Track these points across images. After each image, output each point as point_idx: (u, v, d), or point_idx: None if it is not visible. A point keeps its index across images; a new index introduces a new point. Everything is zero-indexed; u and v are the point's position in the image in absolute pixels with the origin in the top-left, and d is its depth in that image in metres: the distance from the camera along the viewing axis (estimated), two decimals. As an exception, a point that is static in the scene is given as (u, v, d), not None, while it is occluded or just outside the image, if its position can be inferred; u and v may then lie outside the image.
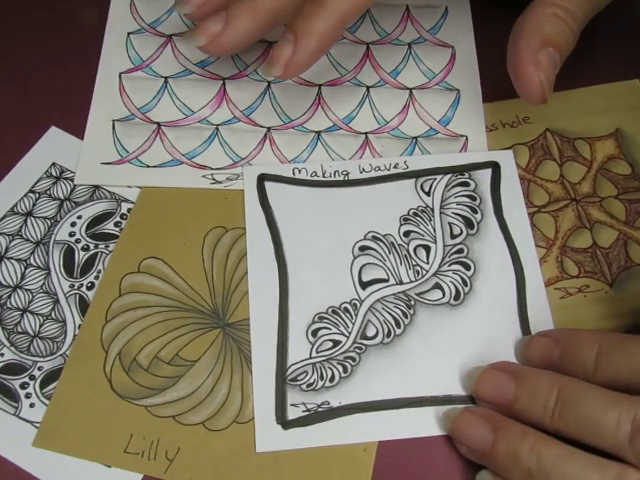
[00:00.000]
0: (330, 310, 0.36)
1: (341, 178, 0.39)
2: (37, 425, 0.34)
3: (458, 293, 0.36)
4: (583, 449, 0.29)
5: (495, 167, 0.39)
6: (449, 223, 0.38)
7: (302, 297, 0.36)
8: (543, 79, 0.34)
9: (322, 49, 0.35)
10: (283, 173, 0.39)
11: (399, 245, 0.37)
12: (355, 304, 0.36)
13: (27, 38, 0.44)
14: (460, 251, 0.37)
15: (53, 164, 0.40)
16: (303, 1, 0.35)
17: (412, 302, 0.36)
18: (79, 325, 0.36)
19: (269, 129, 0.41)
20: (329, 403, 0.34)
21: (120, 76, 0.42)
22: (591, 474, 0.28)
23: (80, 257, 0.37)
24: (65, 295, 0.36)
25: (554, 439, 0.30)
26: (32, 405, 0.34)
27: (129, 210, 0.38)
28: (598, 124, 0.40)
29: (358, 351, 0.35)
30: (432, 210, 0.38)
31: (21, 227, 0.38)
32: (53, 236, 0.38)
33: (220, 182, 0.39)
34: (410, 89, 0.42)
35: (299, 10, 0.35)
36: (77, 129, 0.40)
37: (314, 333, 0.35)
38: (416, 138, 0.40)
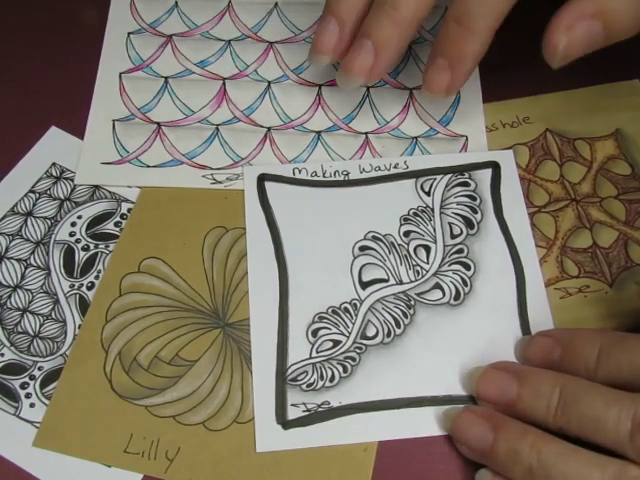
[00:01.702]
0: (330, 310, 0.36)
1: (341, 178, 0.39)
2: (37, 425, 0.34)
3: (458, 293, 0.36)
4: (585, 448, 0.29)
5: (495, 167, 0.39)
6: (449, 223, 0.38)
7: (302, 297, 0.36)
8: (563, 45, 0.32)
9: (475, 66, 0.36)
10: (283, 173, 0.39)
11: (399, 245, 0.37)
12: (355, 304, 0.36)
13: (27, 38, 0.44)
14: (460, 251, 0.37)
15: (53, 164, 0.40)
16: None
17: (412, 302, 0.36)
18: (79, 325, 0.36)
19: (269, 129, 0.41)
20: (329, 403, 0.34)
21: (120, 76, 0.42)
22: (592, 471, 0.28)
23: (80, 257, 0.37)
24: (65, 295, 0.36)
25: (554, 437, 0.30)
26: (32, 405, 0.34)
27: (129, 210, 0.38)
28: (598, 124, 0.40)
29: (358, 351, 0.35)
30: (432, 210, 0.38)
31: (21, 227, 0.38)
32: (53, 236, 0.38)
33: (220, 182, 0.39)
34: (410, 89, 0.42)
35: (445, 35, 0.35)
36: (77, 129, 0.40)
37: (314, 333, 0.35)
38: (416, 138, 0.40)
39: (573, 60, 0.33)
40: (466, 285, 0.36)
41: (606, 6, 0.32)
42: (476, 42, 0.34)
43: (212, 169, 0.39)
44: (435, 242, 0.37)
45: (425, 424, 0.33)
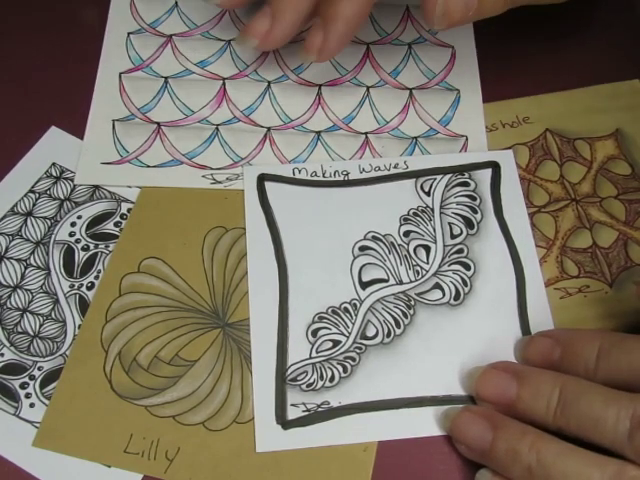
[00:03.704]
0: (330, 310, 0.36)
1: (341, 178, 0.39)
2: (37, 425, 0.34)
3: (458, 293, 0.36)
4: (584, 448, 0.29)
5: (495, 167, 0.39)
6: (449, 223, 0.38)
7: (302, 297, 0.36)
8: (440, 7, 0.33)
9: (351, 32, 0.36)
10: (283, 173, 0.39)
11: (399, 245, 0.37)
12: (355, 304, 0.36)
13: (27, 38, 0.44)
14: (460, 251, 0.37)
15: (53, 164, 0.40)
16: None
17: (412, 302, 0.36)
18: (79, 325, 0.36)
19: (269, 129, 0.41)
20: (329, 403, 0.34)
21: (120, 76, 0.42)
22: (591, 471, 0.28)
23: (80, 257, 0.37)
24: (65, 295, 0.36)
25: (554, 437, 0.30)
26: (32, 405, 0.34)
27: (129, 210, 0.38)
28: (598, 124, 0.40)
29: (358, 351, 0.35)
30: (432, 210, 0.38)
31: (21, 227, 0.38)
32: (53, 236, 0.38)
33: (220, 182, 0.39)
34: (410, 89, 0.42)
35: None
36: (77, 129, 0.40)
37: (314, 333, 0.35)
38: (416, 138, 0.40)
39: (451, 26, 0.34)
40: (466, 285, 0.36)
41: None
42: (351, 5, 0.35)
43: (212, 169, 0.39)
44: (435, 242, 0.37)
45: (425, 424, 0.33)
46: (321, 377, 0.34)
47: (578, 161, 0.40)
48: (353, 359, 0.35)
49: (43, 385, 0.34)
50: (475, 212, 0.38)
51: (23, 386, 0.34)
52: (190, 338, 0.35)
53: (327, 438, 0.33)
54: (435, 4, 0.33)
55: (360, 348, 0.35)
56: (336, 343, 0.35)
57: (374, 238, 0.37)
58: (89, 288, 0.37)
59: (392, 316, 0.36)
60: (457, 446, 0.32)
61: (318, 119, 0.41)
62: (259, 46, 0.38)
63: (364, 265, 0.37)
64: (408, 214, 0.38)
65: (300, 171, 0.39)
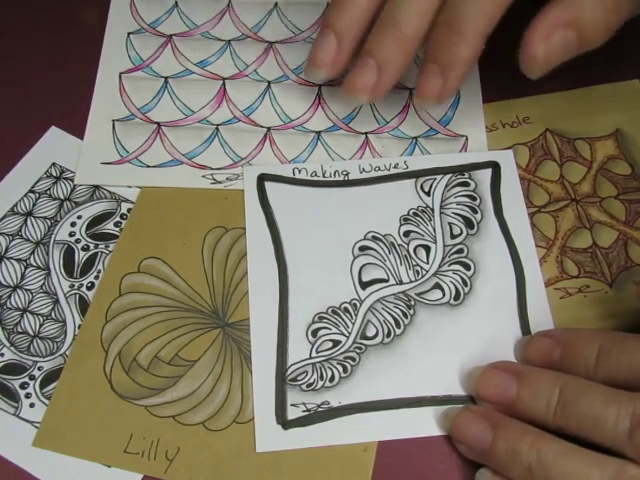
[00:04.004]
0: (330, 310, 0.36)
1: (341, 178, 0.39)
2: (37, 425, 0.34)
3: (458, 293, 0.36)
4: (584, 448, 0.29)
5: (495, 167, 0.39)
6: (449, 223, 0.38)
7: (302, 297, 0.36)
8: (541, 54, 0.33)
9: (468, 71, 0.35)
10: (283, 173, 0.39)
11: (399, 245, 0.37)
12: (355, 304, 0.36)
13: (27, 38, 0.44)
14: (460, 251, 0.37)
15: (53, 164, 0.40)
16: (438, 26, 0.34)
17: (412, 302, 0.36)
18: (79, 325, 0.36)
19: (269, 129, 0.41)
20: (329, 403, 0.34)
21: (120, 76, 0.42)
22: (591, 470, 0.28)
23: (80, 257, 0.37)
24: (65, 295, 0.36)
25: (554, 436, 0.30)
26: (32, 405, 0.34)
27: (129, 210, 0.38)
28: (598, 124, 0.40)
29: (358, 351, 0.35)
30: (432, 210, 0.38)
31: (21, 227, 0.38)
32: (53, 236, 0.38)
33: (220, 182, 0.39)
34: (410, 89, 0.42)
35: (435, 40, 0.34)
36: (77, 129, 0.40)
37: (314, 333, 0.35)
38: (416, 138, 0.40)
39: (550, 70, 0.34)
40: (466, 285, 0.36)
41: (579, 14, 0.33)
42: (467, 47, 0.34)
43: (212, 169, 0.39)
44: (435, 242, 0.37)
45: (425, 424, 0.33)
46: (321, 377, 0.34)
47: (578, 161, 0.40)
48: (353, 359, 0.35)
49: (43, 385, 0.34)
50: (475, 212, 0.38)
51: (23, 386, 0.34)
52: (190, 338, 0.35)
53: (327, 438, 0.33)
54: (535, 57, 0.33)
55: (360, 348, 0.35)
56: (336, 343, 0.35)
57: (374, 238, 0.37)
58: (89, 288, 0.37)
59: (392, 316, 0.36)
60: (457, 446, 0.32)
61: (318, 119, 0.41)
62: (368, 100, 0.37)
63: (364, 265, 0.37)
64: (408, 214, 0.38)
65: (300, 171, 0.39)
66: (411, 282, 0.36)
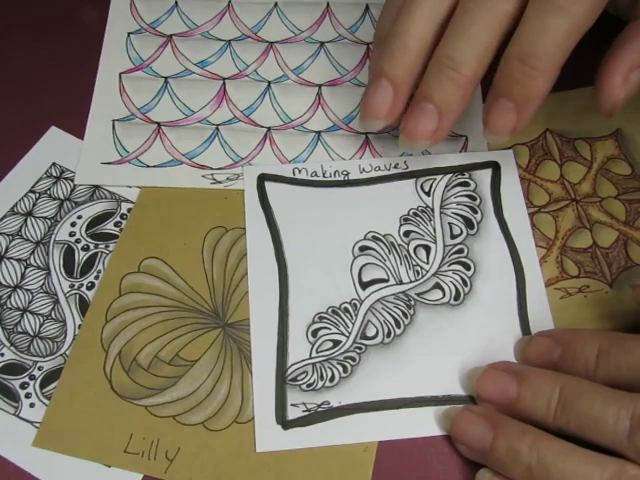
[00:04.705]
0: (330, 310, 0.36)
1: (341, 178, 0.39)
2: (37, 425, 0.34)
3: (458, 293, 0.36)
4: (584, 448, 0.29)
5: (495, 167, 0.39)
6: (449, 223, 0.38)
7: (302, 297, 0.36)
8: (622, 97, 0.33)
9: (539, 106, 0.34)
10: (283, 173, 0.39)
11: (399, 245, 0.37)
12: (355, 304, 0.36)
13: (27, 38, 0.44)
14: (460, 251, 0.37)
15: (53, 164, 0.40)
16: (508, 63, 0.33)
17: (412, 302, 0.36)
18: (79, 325, 0.36)
19: (269, 129, 0.41)
20: (329, 403, 0.34)
21: (120, 76, 0.42)
22: (591, 470, 0.28)
23: (80, 257, 0.37)
24: (65, 295, 0.36)
25: (554, 436, 0.30)
26: (32, 405, 0.34)
27: (129, 210, 0.38)
28: (598, 124, 0.40)
29: (358, 351, 0.35)
30: (432, 210, 0.38)
31: (21, 227, 0.38)
32: (53, 236, 0.38)
33: (220, 182, 0.39)
34: (410, 89, 0.42)
35: (508, 76, 0.33)
36: (77, 129, 0.40)
37: (314, 333, 0.35)
38: (416, 138, 0.40)
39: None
40: (466, 285, 0.36)
41: None
42: (544, 82, 0.32)
43: (212, 169, 0.39)
44: (435, 242, 0.37)
45: (425, 424, 0.33)
46: (321, 377, 0.34)
47: (578, 161, 0.40)
48: (353, 359, 0.35)
49: (43, 385, 0.34)
50: (475, 212, 0.38)
51: (23, 386, 0.34)
52: (190, 338, 0.35)
53: (327, 438, 0.33)
54: (617, 102, 0.33)
55: (360, 348, 0.35)
56: (336, 343, 0.35)
57: (374, 238, 0.37)
58: (89, 288, 0.37)
59: (392, 316, 0.36)
60: (457, 446, 0.32)
61: (318, 119, 0.41)
62: (428, 146, 0.36)
63: (364, 265, 0.37)
64: (408, 214, 0.38)
65: (300, 171, 0.39)
66: (411, 282, 0.36)
